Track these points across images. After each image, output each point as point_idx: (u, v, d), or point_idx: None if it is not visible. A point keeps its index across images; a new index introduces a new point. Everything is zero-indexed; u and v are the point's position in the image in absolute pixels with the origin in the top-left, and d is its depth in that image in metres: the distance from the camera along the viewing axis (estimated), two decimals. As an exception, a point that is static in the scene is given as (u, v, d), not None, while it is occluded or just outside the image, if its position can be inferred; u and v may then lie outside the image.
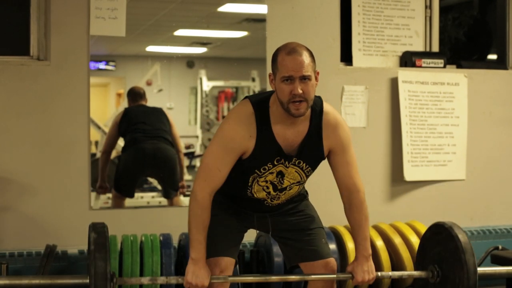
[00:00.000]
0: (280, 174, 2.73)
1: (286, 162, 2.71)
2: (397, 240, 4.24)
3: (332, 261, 2.89)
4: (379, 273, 2.90)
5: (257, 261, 4.09)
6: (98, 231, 2.62)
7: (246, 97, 2.75)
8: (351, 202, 2.82)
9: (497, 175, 5.04)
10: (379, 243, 4.22)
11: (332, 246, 4.02)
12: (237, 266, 2.95)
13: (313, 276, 2.85)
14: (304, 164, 2.74)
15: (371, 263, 2.85)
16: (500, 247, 4.55)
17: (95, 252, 2.56)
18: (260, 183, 2.75)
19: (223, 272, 2.78)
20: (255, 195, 2.79)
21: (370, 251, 2.86)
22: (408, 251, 4.22)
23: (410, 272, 3.15)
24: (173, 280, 2.86)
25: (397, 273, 3.07)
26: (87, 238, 2.73)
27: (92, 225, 2.67)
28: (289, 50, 2.61)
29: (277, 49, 2.67)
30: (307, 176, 2.80)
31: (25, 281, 2.69)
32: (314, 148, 2.73)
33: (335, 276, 2.89)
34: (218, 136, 2.71)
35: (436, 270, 2.91)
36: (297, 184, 2.80)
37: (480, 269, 2.82)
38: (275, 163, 2.71)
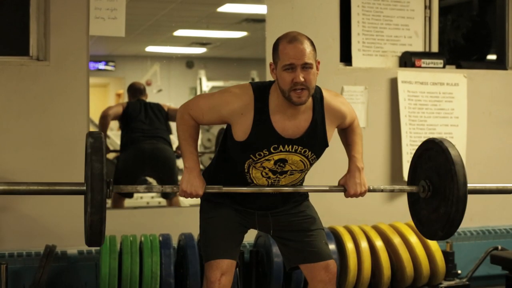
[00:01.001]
0: (280, 161, 2.73)
1: (287, 147, 2.70)
2: (397, 240, 4.25)
3: (333, 263, 2.89)
4: (370, 186, 2.88)
5: (256, 262, 4.10)
6: (95, 136, 2.61)
7: (250, 82, 2.76)
8: (347, 128, 2.90)
9: (496, 175, 5.04)
10: (379, 243, 4.22)
11: (332, 247, 4.03)
12: (238, 267, 2.94)
13: (306, 188, 2.88)
14: (310, 153, 2.75)
15: (363, 176, 2.84)
16: (499, 247, 4.56)
17: (91, 155, 2.53)
18: (258, 168, 2.74)
19: (224, 274, 2.76)
20: (254, 181, 2.79)
21: (362, 165, 2.86)
22: (408, 251, 4.23)
23: (401, 186, 3.15)
24: (168, 189, 2.85)
25: (388, 187, 3.06)
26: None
27: (89, 132, 2.68)
28: (290, 38, 2.61)
29: (278, 38, 2.67)
30: (311, 164, 2.81)
31: (23, 187, 2.70)
32: (318, 136, 2.74)
33: (327, 188, 2.91)
34: (216, 95, 2.77)
35: (427, 185, 2.91)
36: (299, 171, 2.80)
37: (470, 185, 2.83)
38: (272, 150, 2.70)
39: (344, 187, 2.85)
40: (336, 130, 2.89)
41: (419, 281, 4.27)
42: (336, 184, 2.89)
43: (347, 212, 4.56)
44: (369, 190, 2.88)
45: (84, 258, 4.11)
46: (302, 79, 2.58)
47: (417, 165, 3.01)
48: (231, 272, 2.80)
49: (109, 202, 4.77)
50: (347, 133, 2.90)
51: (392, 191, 3.15)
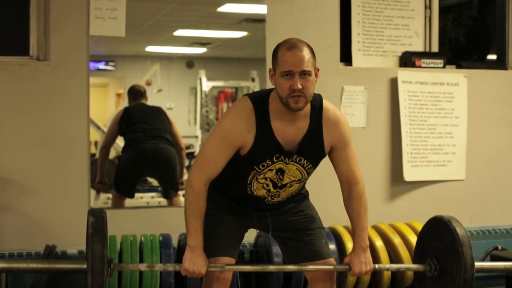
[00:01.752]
0: (280, 171, 2.74)
1: (286, 159, 2.71)
2: (397, 240, 4.25)
3: (332, 262, 2.89)
4: (376, 265, 2.90)
5: (256, 261, 4.10)
6: (96, 215, 2.63)
7: (245, 94, 2.76)
8: (351, 194, 2.84)
9: (496, 175, 5.04)
10: (379, 243, 4.22)
11: (332, 247, 4.03)
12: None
13: (310, 267, 2.85)
14: (305, 161, 2.75)
15: (368, 255, 2.85)
16: (499, 247, 4.56)
17: (92, 235, 2.56)
18: (260, 181, 2.75)
19: (223, 272, 2.78)
20: (255, 193, 2.79)
21: (367, 243, 2.86)
22: (408, 251, 4.22)
23: (407, 265, 3.16)
24: (170, 267, 2.88)
25: (394, 266, 3.09)
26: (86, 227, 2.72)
27: (91, 210, 2.69)
28: (290, 45, 2.61)
29: (277, 45, 2.68)
30: (308, 174, 2.81)
31: (23, 265, 2.70)
32: (315, 145, 2.74)
33: (332, 267, 2.90)
34: (217, 129, 2.75)
35: (433, 264, 2.91)
36: (297, 182, 2.80)
37: (477, 264, 2.83)
38: (274, 160, 2.71)
39: (349, 265, 2.86)
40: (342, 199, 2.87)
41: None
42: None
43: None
44: (375, 269, 2.90)
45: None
46: (299, 86, 2.58)
47: (424, 242, 3.01)
48: (230, 271, 2.81)
49: (109, 202, 4.78)
50: (351, 203, 2.85)
51: (398, 269, 3.16)
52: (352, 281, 4.16)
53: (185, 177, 5.12)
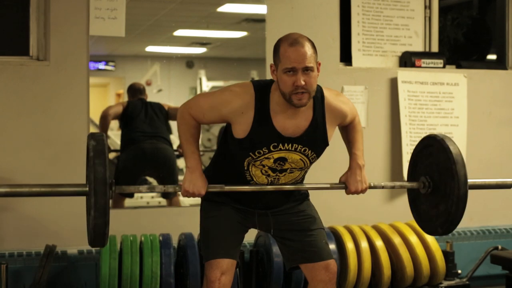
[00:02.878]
0: (280, 160, 2.73)
1: (287, 145, 2.71)
2: (397, 240, 4.25)
3: (333, 263, 2.89)
4: (371, 183, 2.89)
5: (256, 261, 4.10)
6: (97, 139, 2.62)
7: (250, 80, 2.76)
8: (348, 125, 2.89)
9: (496, 175, 5.03)
10: (379, 243, 4.22)
11: (332, 247, 4.03)
12: (238, 267, 2.94)
13: (307, 185, 2.87)
14: (310, 152, 2.75)
15: (364, 174, 2.85)
16: (499, 247, 4.56)
17: (94, 158, 2.55)
18: (257, 166, 2.75)
19: (224, 274, 2.77)
20: (254, 179, 2.79)
21: (363, 162, 2.87)
22: (408, 251, 4.23)
23: (401, 182, 3.15)
24: (170, 188, 2.86)
25: (389, 184, 3.08)
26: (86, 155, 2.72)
27: (91, 134, 2.68)
28: (292, 41, 2.61)
29: (279, 40, 2.67)
30: (311, 163, 2.81)
31: (25, 189, 2.70)
32: (318, 135, 2.75)
33: (328, 185, 2.91)
34: (216, 94, 2.78)
35: (427, 181, 2.91)
36: (299, 169, 2.80)
37: (470, 181, 2.83)
38: (272, 149, 2.71)
39: (345, 184, 2.87)
40: (337, 127, 2.89)
41: (419, 281, 4.27)
42: (337, 181, 2.90)
43: (347, 212, 4.56)
44: (370, 187, 2.89)
45: (84, 258, 4.11)
46: (303, 83, 2.58)
47: (418, 161, 3.01)
48: (231, 272, 2.80)
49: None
50: (348, 130, 2.91)
51: (393, 187, 3.16)
52: (352, 281, 4.16)
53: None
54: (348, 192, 2.87)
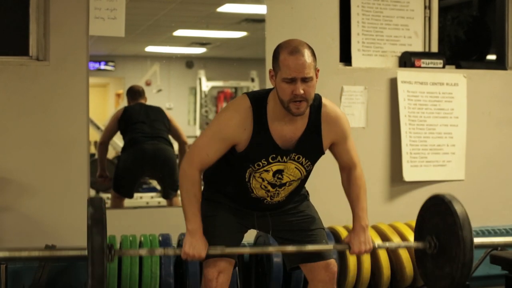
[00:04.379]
0: (278, 172, 2.74)
1: (284, 158, 2.71)
2: (396, 240, 4.25)
3: (333, 262, 2.89)
4: (376, 244, 2.90)
5: (256, 262, 4.10)
6: (95, 206, 2.63)
7: (245, 93, 2.76)
8: (350, 177, 2.88)
9: (496, 176, 5.04)
10: (377, 242, 4.22)
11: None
12: (237, 267, 2.95)
13: (309, 247, 2.86)
14: (304, 159, 2.75)
15: (368, 234, 2.86)
16: (499, 247, 4.56)
17: (92, 227, 2.58)
18: (257, 179, 2.75)
19: (222, 273, 2.78)
20: (254, 192, 2.79)
21: (367, 222, 2.87)
22: (407, 251, 4.22)
23: (407, 243, 3.16)
24: (170, 251, 2.88)
25: (394, 244, 3.09)
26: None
27: (90, 199, 2.70)
28: (292, 49, 2.60)
29: (278, 46, 2.66)
30: (307, 172, 2.81)
31: (24, 254, 2.70)
32: (313, 143, 2.74)
33: (331, 246, 2.92)
34: (213, 124, 2.76)
35: (433, 241, 2.92)
36: (296, 180, 2.80)
37: (476, 242, 2.84)
38: (270, 160, 2.71)
39: (349, 245, 2.87)
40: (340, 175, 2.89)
41: (419, 281, 4.27)
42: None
43: (347, 212, 4.51)
44: (374, 248, 2.91)
45: (84, 258, 4.10)
46: (301, 92, 2.58)
47: (425, 218, 3.01)
48: (229, 271, 2.81)
49: (108, 202, 4.78)
50: (350, 185, 2.88)
51: (398, 247, 3.15)
52: (351, 281, 4.16)
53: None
54: (352, 253, 2.88)
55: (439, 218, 2.91)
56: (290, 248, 2.85)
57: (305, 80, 2.58)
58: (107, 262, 2.58)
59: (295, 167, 2.76)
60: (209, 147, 2.70)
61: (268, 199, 2.82)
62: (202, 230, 2.75)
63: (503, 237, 3.35)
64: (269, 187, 2.78)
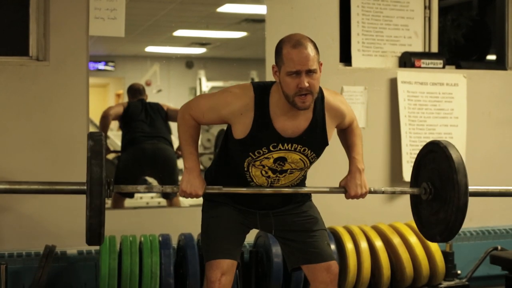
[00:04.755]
0: (280, 160, 2.73)
1: (286, 146, 2.71)
2: (396, 241, 4.25)
3: (335, 264, 2.89)
4: (371, 188, 2.89)
5: (256, 262, 4.10)
6: (95, 139, 2.65)
7: (250, 82, 2.77)
8: (346, 129, 2.90)
9: (496, 176, 5.04)
10: (378, 243, 4.22)
11: (332, 247, 4.03)
12: (238, 267, 2.94)
13: (306, 189, 2.87)
14: (309, 151, 2.75)
15: (363, 178, 2.85)
16: (499, 247, 4.56)
17: (91, 159, 2.59)
18: (257, 166, 2.75)
19: (224, 274, 2.76)
20: (254, 180, 2.79)
21: (363, 166, 2.86)
22: (408, 251, 4.23)
23: (402, 188, 3.15)
24: (168, 189, 2.88)
25: (389, 189, 3.07)
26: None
27: (90, 133, 2.70)
28: (294, 42, 2.60)
29: (281, 41, 2.66)
30: (311, 163, 2.81)
31: (24, 186, 2.72)
32: (318, 135, 2.75)
33: (328, 189, 2.91)
34: (216, 95, 2.78)
35: (429, 188, 2.92)
36: (299, 170, 2.80)
37: (472, 188, 2.84)
38: (271, 149, 2.71)
39: (345, 188, 2.86)
40: (335, 131, 2.89)
41: (419, 281, 4.27)
42: (337, 185, 2.90)
43: (347, 212, 4.56)
44: (370, 192, 2.89)
45: (83, 258, 4.11)
46: (307, 85, 2.58)
47: (421, 165, 3.01)
48: (231, 272, 2.80)
49: (109, 202, 4.77)
50: (346, 134, 2.91)
51: (393, 192, 3.15)
52: (351, 281, 4.16)
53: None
54: (348, 196, 2.87)
55: (435, 164, 2.91)
56: (286, 190, 2.82)
57: (309, 72, 2.59)
58: (105, 196, 2.57)
59: (300, 159, 2.75)
60: (206, 112, 2.74)
61: (269, 186, 2.81)
62: (199, 169, 2.76)
63: (499, 187, 3.32)
64: (270, 173, 2.77)
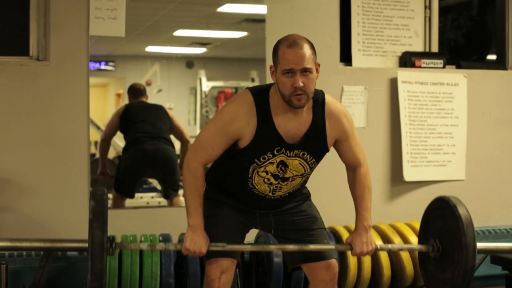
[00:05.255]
0: (282, 164, 2.74)
1: (288, 152, 2.71)
2: (397, 241, 4.24)
3: (334, 262, 2.90)
4: (378, 245, 2.90)
5: (256, 261, 4.10)
6: (97, 199, 2.63)
7: (247, 88, 2.77)
8: (355, 176, 2.88)
9: (496, 176, 5.04)
10: (379, 243, 4.22)
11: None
12: (238, 267, 2.95)
13: (311, 246, 2.85)
14: (308, 156, 2.75)
15: (370, 235, 2.86)
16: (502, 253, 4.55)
17: (93, 221, 2.58)
18: (261, 174, 2.75)
19: (224, 273, 2.78)
20: (256, 187, 2.79)
21: (370, 223, 2.87)
22: (407, 251, 4.22)
23: (409, 245, 3.16)
24: (171, 246, 2.89)
25: (396, 246, 3.09)
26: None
27: (92, 192, 2.69)
28: (290, 42, 2.62)
29: (278, 42, 2.68)
30: (311, 169, 2.81)
31: (25, 244, 2.71)
32: (318, 140, 2.75)
33: (333, 246, 2.92)
34: (216, 118, 2.77)
35: (436, 245, 2.93)
36: (300, 176, 2.80)
37: (480, 245, 2.84)
38: (275, 153, 2.71)
39: (351, 245, 2.88)
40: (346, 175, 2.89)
41: (419, 281, 4.27)
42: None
43: (347, 212, 4.53)
44: (376, 249, 2.91)
45: (84, 258, 4.10)
46: (301, 84, 2.59)
47: (429, 220, 3.02)
48: (231, 271, 2.81)
49: (109, 202, 4.77)
50: (355, 183, 2.89)
51: (400, 249, 3.14)
52: (352, 281, 4.16)
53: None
54: (354, 254, 2.88)
55: (444, 221, 2.91)
56: (291, 247, 2.85)
57: (304, 71, 2.59)
58: (107, 256, 2.58)
59: (299, 163, 2.76)
60: (213, 141, 2.71)
61: (270, 194, 2.82)
62: (203, 226, 2.76)
63: (507, 243, 3.33)
64: (272, 179, 2.77)
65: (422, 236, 3.05)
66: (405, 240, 4.27)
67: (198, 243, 2.73)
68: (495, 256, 4.17)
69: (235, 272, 2.94)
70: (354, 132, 2.84)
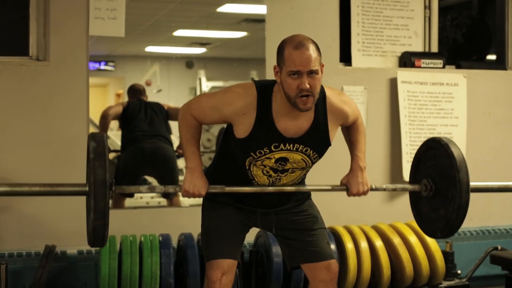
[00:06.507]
0: (281, 160, 2.73)
1: (290, 146, 2.71)
2: (396, 240, 4.25)
3: (334, 263, 2.89)
4: (373, 185, 2.89)
5: (256, 262, 4.10)
6: (97, 140, 2.63)
7: (252, 80, 2.76)
8: (350, 126, 2.88)
9: (496, 176, 5.03)
10: (378, 243, 4.22)
11: (332, 247, 4.02)
12: (238, 267, 2.94)
13: (308, 187, 2.86)
14: (312, 152, 2.75)
15: (365, 175, 2.86)
16: (499, 247, 4.56)
17: (94, 160, 2.56)
18: (259, 166, 2.74)
19: (225, 274, 2.77)
20: (256, 179, 2.79)
21: (365, 164, 2.87)
22: (408, 251, 4.23)
23: (403, 185, 3.14)
24: (171, 189, 2.88)
25: (390, 186, 3.07)
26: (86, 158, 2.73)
27: (91, 134, 2.69)
28: (297, 44, 2.60)
29: (283, 42, 2.66)
30: (313, 163, 2.81)
31: (25, 189, 2.70)
32: (320, 136, 2.74)
33: (330, 187, 2.91)
34: (218, 95, 2.77)
35: (429, 184, 2.92)
36: (300, 169, 2.80)
37: (472, 184, 2.84)
38: (273, 149, 2.70)
39: (347, 186, 2.87)
40: (339, 128, 2.89)
41: (419, 281, 4.27)
42: (338, 183, 2.90)
43: (347, 212, 4.56)
44: (371, 189, 2.89)
45: (83, 258, 4.11)
46: (307, 86, 2.58)
47: (420, 162, 3.01)
48: (232, 272, 2.80)
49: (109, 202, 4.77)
50: (350, 131, 2.90)
51: (394, 189, 3.16)
52: (351, 281, 4.16)
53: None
54: (350, 194, 2.87)
55: (435, 161, 2.90)
56: (289, 188, 2.81)
57: (310, 73, 2.58)
58: (109, 196, 2.57)
59: (302, 159, 2.75)
60: (208, 111, 2.73)
61: (271, 185, 2.81)
62: (201, 168, 2.76)
63: (499, 182, 3.33)
64: (271, 172, 2.77)
65: (413, 178, 3.04)
66: (405, 239, 4.27)
67: (197, 185, 2.73)
68: (495, 256, 4.18)
69: (235, 272, 2.93)
70: (354, 109, 2.85)
